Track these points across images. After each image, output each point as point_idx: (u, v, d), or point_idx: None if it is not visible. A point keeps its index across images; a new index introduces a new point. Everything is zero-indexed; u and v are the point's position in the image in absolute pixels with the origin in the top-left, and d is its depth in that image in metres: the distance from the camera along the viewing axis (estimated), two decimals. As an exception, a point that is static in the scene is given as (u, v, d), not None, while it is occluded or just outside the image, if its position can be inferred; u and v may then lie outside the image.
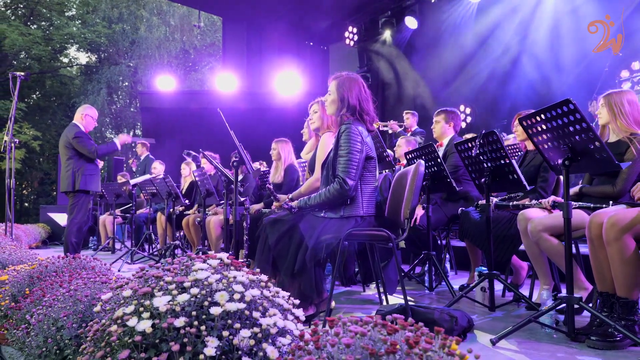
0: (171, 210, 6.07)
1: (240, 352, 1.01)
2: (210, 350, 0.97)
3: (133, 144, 8.57)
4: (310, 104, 3.54)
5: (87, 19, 21.62)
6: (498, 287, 3.76)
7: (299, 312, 1.22)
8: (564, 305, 2.30)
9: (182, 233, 6.75)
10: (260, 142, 7.57)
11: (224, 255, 1.25)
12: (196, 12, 15.07)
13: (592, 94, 6.09)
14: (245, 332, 1.02)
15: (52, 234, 10.05)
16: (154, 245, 7.43)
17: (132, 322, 1.03)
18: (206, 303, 1.07)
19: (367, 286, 4.02)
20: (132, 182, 6.80)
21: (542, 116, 2.22)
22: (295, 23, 11.85)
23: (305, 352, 0.85)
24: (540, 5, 7.62)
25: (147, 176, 6.88)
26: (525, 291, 3.44)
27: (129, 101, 24.44)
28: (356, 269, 4.24)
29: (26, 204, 23.34)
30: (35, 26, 21.43)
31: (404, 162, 4.64)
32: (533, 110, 2.36)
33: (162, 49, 21.00)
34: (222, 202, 5.37)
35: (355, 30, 10.96)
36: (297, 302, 1.26)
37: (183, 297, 1.06)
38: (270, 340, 1.06)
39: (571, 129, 2.12)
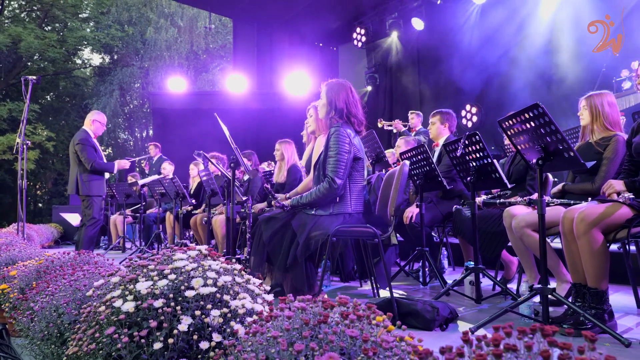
0: (179, 210, 6.27)
1: (210, 329, 1.17)
2: (183, 327, 1.13)
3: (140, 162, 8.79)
4: (307, 108, 3.70)
5: (101, 20, 21.97)
6: (489, 281, 3.89)
7: (269, 297, 1.38)
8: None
9: (190, 232, 6.95)
10: (270, 142, 7.73)
11: (202, 247, 1.41)
12: (206, 13, 15.28)
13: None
14: (215, 312, 1.18)
15: (64, 233, 10.32)
16: (163, 244, 7.64)
17: (118, 303, 1.19)
18: (183, 287, 1.23)
19: (365, 281, 4.16)
20: (141, 182, 7.01)
21: (517, 119, 2.35)
22: (305, 24, 11.99)
23: (259, 325, 1.01)
24: (541, 6, 7.69)
25: (155, 176, 7.09)
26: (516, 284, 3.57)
27: (141, 102, 24.79)
28: (354, 267, 4.38)
29: (40, 204, 23.80)
30: (49, 28, 21.84)
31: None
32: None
33: (172, 50, 21.29)
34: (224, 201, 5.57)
35: (363, 31, 11.09)
36: (267, 288, 1.42)
37: (162, 282, 1.22)
38: (238, 320, 1.21)
39: (542, 130, 2.25)
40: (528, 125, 2.33)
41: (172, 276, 1.23)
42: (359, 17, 11.22)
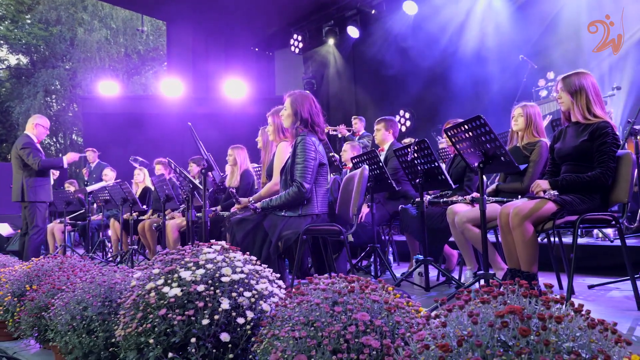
0: (129, 215, 6.26)
1: (244, 308, 1.41)
2: (225, 306, 1.37)
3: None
4: (267, 115, 3.94)
5: (20, 19, 20.81)
6: (434, 272, 4.31)
7: (281, 282, 1.64)
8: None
9: (134, 238, 6.93)
10: (209, 146, 7.81)
11: (222, 243, 1.65)
12: (139, 16, 15.00)
13: (512, 102, 6.78)
14: (247, 294, 1.43)
15: (-8, 244, 9.83)
16: (107, 251, 7.55)
17: (166, 289, 1.41)
18: (217, 275, 1.46)
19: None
20: (89, 189, 6.92)
21: (461, 128, 2.74)
22: (241, 28, 12.10)
23: (295, 297, 1.27)
24: (470, 19, 8.36)
25: (103, 183, 7.02)
26: (457, 274, 4.00)
27: (65, 105, 23.71)
28: (310, 265, 4.66)
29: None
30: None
31: (350, 165, 5.11)
32: (459, 120, 2.88)
33: (102, 52, 20.61)
34: (182, 206, 5.67)
35: (300, 37, 11.39)
36: (278, 275, 1.68)
37: (200, 271, 1.45)
38: (264, 300, 1.47)
39: (483, 138, 2.65)
40: (471, 134, 2.72)
41: (209, 265, 1.47)
42: (295, 24, 11.49)
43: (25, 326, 2.09)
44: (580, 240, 4.86)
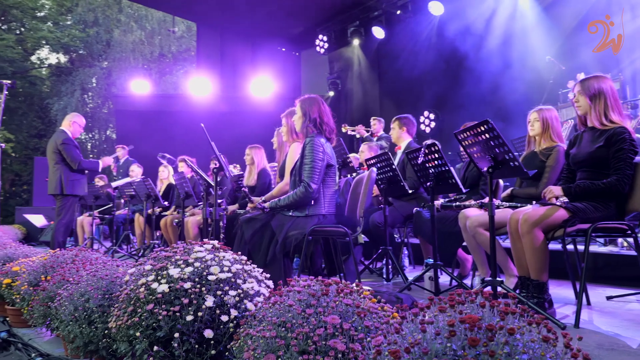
0: (150, 211, 6.42)
1: (229, 306, 1.45)
2: (209, 303, 1.41)
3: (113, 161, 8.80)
4: (281, 116, 3.99)
5: (60, 20, 21.56)
6: (447, 277, 4.27)
7: (270, 282, 1.68)
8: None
9: (158, 233, 7.10)
10: (235, 145, 7.95)
11: (214, 242, 1.70)
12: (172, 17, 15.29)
13: (538, 104, 6.63)
14: (232, 292, 1.47)
15: (27, 234, 10.22)
16: (131, 245, 7.75)
17: (155, 285, 1.46)
18: (205, 273, 1.51)
19: (332, 278, 4.47)
20: (114, 184, 7.12)
21: (470, 132, 2.72)
22: (268, 29, 12.24)
23: (273, 299, 1.30)
24: (495, 20, 8.24)
25: (128, 179, 7.21)
26: (470, 280, 3.96)
27: (100, 102, 24.39)
28: (323, 265, 4.69)
29: (-5, 206, 23.05)
30: (5, 27, 21.27)
31: (366, 166, 5.12)
32: (474, 123, 2.86)
33: (136, 52, 21.16)
34: (200, 203, 5.78)
35: (325, 38, 11.44)
36: (268, 275, 1.71)
37: (189, 269, 1.50)
38: (249, 299, 1.51)
39: (492, 143, 2.62)
40: (480, 138, 2.70)
41: (197, 264, 1.52)
42: (321, 24, 11.55)
43: (37, 314, 2.20)
44: (603, 249, 4.73)
